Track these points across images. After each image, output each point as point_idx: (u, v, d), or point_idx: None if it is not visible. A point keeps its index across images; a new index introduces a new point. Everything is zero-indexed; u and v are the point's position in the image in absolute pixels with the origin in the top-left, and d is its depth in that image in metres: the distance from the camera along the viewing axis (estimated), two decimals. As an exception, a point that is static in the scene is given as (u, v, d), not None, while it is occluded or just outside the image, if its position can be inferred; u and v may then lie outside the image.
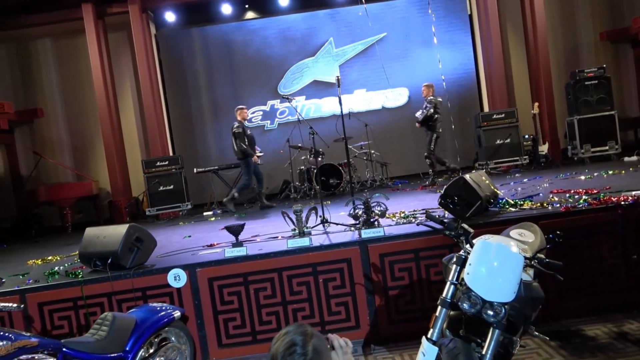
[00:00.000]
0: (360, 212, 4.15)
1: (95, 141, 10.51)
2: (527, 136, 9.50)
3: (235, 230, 4.06)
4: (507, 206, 4.45)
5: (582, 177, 6.25)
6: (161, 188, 8.86)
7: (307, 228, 4.11)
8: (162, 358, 3.31)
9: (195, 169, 9.34)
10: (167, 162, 8.99)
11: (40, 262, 5.33)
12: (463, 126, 10.56)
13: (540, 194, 5.11)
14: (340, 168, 9.05)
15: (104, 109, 9.67)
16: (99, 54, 9.66)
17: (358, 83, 10.87)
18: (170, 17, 10.50)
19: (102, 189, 10.58)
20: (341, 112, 4.95)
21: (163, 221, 8.65)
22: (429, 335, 2.29)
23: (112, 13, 9.97)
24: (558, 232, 2.37)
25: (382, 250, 3.86)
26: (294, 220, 4.06)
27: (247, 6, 11.26)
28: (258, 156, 8.14)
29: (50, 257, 5.49)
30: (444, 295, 2.33)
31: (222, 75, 10.87)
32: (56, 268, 4.52)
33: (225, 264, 3.92)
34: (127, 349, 3.07)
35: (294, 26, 10.87)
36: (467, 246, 2.37)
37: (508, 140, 8.73)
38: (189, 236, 5.81)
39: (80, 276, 4.02)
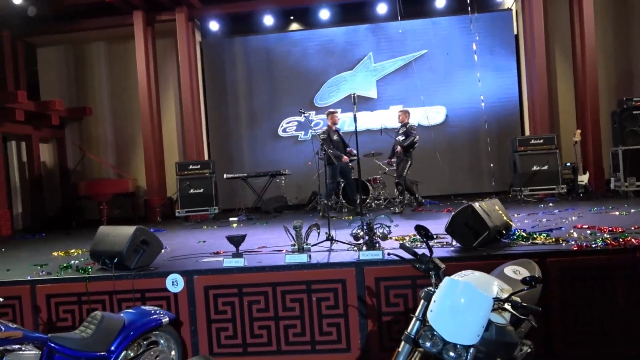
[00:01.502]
0: (361, 233, 4.08)
1: (137, 141, 10.97)
2: (568, 164, 9.06)
3: (236, 241, 4.10)
4: (519, 239, 4.24)
5: (617, 213, 5.87)
6: (192, 191, 9.11)
7: (306, 244, 4.09)
8: (148, 361, 3.38)
9: (225, 175, 9.54)
10: (199, 166, 9.24)
11: (63, 254, 5.61)
12: (501, 150, 10.25)
13: (563, 228, 4.84)
14: (369, 184, 8.99)
15: (145, 111, 10.11)
16: (145, 58, 10.12)
17: (395, 99, 10.77)
18: (215, 26, 10.86)
19: (139, 187, 11.02)
20: (355, 128, 4.91)
21: (190, 223, 8.88)
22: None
23: (160, 20, 10.44)
24: (535, 276, 2.23)
25: (378, 274, 3.78)
26: (294, 235, 4.05)
27: (292, 18, 11.49)
28: (349, 158, 7.84)
29: (73, 250, 5.77)
30: (408, 330, 2.24)
31: (260, 85, 11.10)
32: (72, 262, 4.74)
33: (222, 274, 3.96)
34: (112, 348, 3.15)
35: (334, 39, 10.94)
36: (436, 282, 2.28)
37: (545, 167, 8.35)
38: (204, 241, 5.92)
39: (88, 272, 4.19)
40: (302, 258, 3.93)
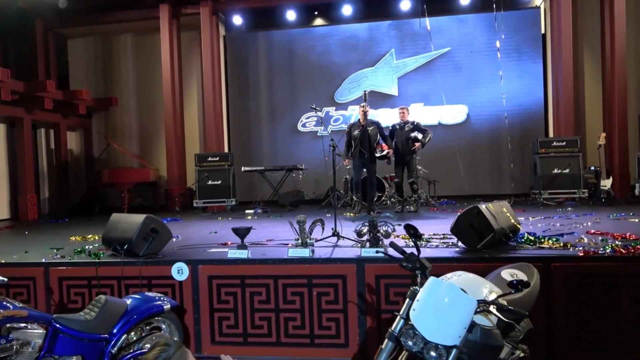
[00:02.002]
0: (365, 230, 4.08)
1: (160, 132, 11.20)
2: (592, 168, 8.80)
3: (241, 233, 4.16)
4: (526, 242, 4.17)
5: (636, 220, 5.69)
6: (210, 182, 9.26)
7: (310, 239, 4.12)
8: (148, 345, 3.49)
9: (242, 168, 9.66)
10: (217, 158, 9.39)
11: (80, 239, 5.80)
12: (524, 152, 10.05)
13: (575, 233, 4.73)
14: (385, 181, 8.95)
15: (168, 103, 10.32)
16: (170, 51, 10.32)
17: (416, 97, 10.68)
18: (239, 20, 10.97)
19: (161, 177, 11.26)
20: (365, 126, 4.90)
21: (207, 214, 9.03)
22: (371, 367, 2.23)
23: (186, 14, 10.62)
24: (523, 280, 2.20)
25: (378, 271, 3.78)
26: (298, 230, 4.09)
27: (316, 13, 11.49)
28: (379, 155, 7.67)
29: (90, 236, 5.96)
30: (392, 328, 2.25)
31: (282, 79, 11.17)
32: (86, 247, 4.91)
33: (226, 264, 4.04)
34: (114, 331, 3.26)
35: (356, 35, 10.91)
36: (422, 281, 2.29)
37: (566, 171, 8.15)
38: (215, 232, 6.03)
39: (99, 258, 4.34)
40: (304, 252, 3.97)
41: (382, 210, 8.27)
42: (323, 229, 4.31)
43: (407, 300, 2.27)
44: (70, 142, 11.58)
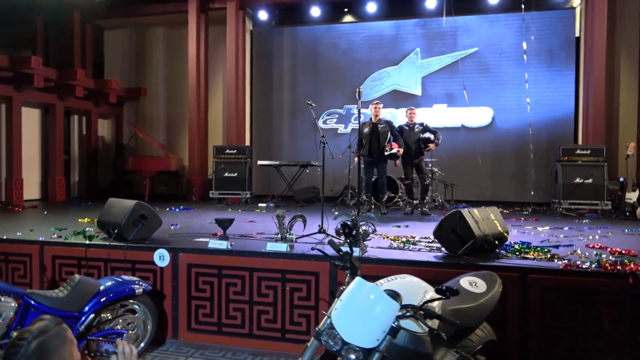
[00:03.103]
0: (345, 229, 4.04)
1: (185, 123, 11.45)
2: (622, 179, 8.34)
3: (223, 224, 4.23)
4: (512, 251, 4.02)
5: (651, 236, 5.36)
6: (226, 174, 9.42)
7: (290, 234, 4.13)
8: (119, 326, 3.62)
9: (258, 162, 9.76)
10: (235, 151, 9.53)
11: (87, 221, 6.05)
12: (551, 159, 9.61)
13: (573, 245, 4.51)
14: (399, 182, 8.82)
15: (193, 95, 10.56)
16: (196, 44, 10.55)
17: (439, 97, 10.45)
18: (265, 15, 11.08)
19: (184, 167, 11.54)
20: (359, 124, 4.84)
21: (221, 205, 9.20)
22: (296, 363, 2.22)
23: (214, 8, 10.81)
24: (452, 288, 2.12)
25: (351, 270, 3.74)
26: (278, 224, 4.11)
27: (346, 10, 11.44)
28: (387, 153, 7.42)
29: (97, 219, 6.19)
30: (319, 326, 2.23)
31: (305, 76, 11.19)
32: (87, 229, 5.12)
33: (206, 254, 4.12)
34: (84, 310, 3.40)
35: (382, 33, 10.78)
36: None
37: (589, 181, 7.77)
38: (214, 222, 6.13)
39: (90, 240, 4.52)
40: (282, 247, 3.98)
41: (391, 211, 8.18)
42: (304, 224, 4.31)
43: (336, 299, 2.24)
44: (102, 129, 12.07)
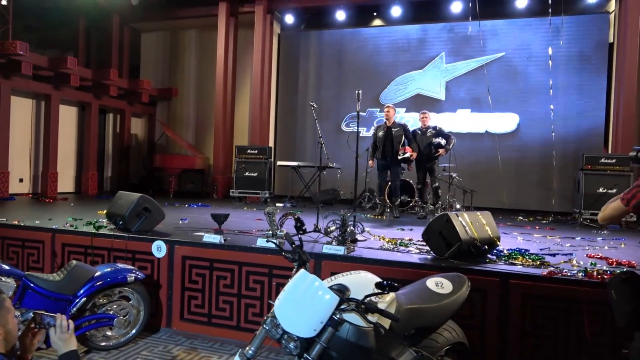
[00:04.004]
0: (333, 228, 4.11)
1: (213, 124, 11.83)
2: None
3: (219, 219, 4.38)
4: (502, 257, 3.96)
5: (666, 250, 5.11)
6: (247, 173, 9.65)
7: (280, 231, 4.22)
8: (111, 311, 3.82)
9: (277, 162, 9.92)
10: (256, 151, 9.75)
11: (104, 213, 6.37)
12: (577, 168, 9.29)
13: (573, 254, 4.38)
14: (415, 186, 8.76)
15: (219, 96, 10.88)
16: (224, 46, 10.87)
17: (463, 103, 10.31)
18: (292, 19, 11.27)
19: (211, 165, 11.89)
20: (357, 128, 4.88)
21: (240, 203, 9.43)
22: (245, 351, 2.31)
23: (243, 12, 11.11)
24: (393, 284, 2.14)
25: (334, 268, 3.79)
26: (268, 221, 4.21)
27: (375, 14, 11.48)
28: (402, 157, 7.41)
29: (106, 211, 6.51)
30: (267, 315, 2.31)
31: (330, 79, 11.30)
32: (100, 220, 5.41)
33: (200, 247, 4.27)
34: (78, 294, 3.62)
35: (407, 37, 10.75)
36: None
37: (613, 191, 7.46)
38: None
39: (97, 229, 4.78)
40: (271, 243, 4.08)
41: (406, 215, 8.14)
42: (296, 222, 4.39)
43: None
44: (136, 127, 12.61)
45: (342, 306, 2.20)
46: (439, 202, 7.74)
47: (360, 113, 11.44)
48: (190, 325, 4.26)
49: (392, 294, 2.47)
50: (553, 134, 8.47)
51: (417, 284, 2.89)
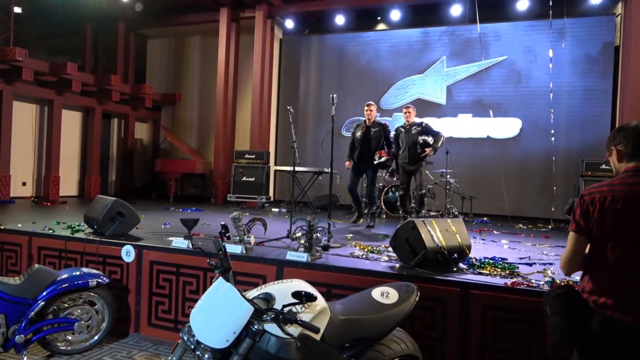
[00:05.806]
0: (299, 234, 4.04)
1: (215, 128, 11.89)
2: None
3: (188, 224, 4.35)
4: (472, 266, 3.82)
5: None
6: (244, 178, 9.63)
7: (248, 236, 4.16)
8: (74, 315, 3.81)
9: (274, 167, 9.90)
10: (254, 156, 9.73)
11: (92, 218, 6.41)
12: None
13: (554, 264, 4.21)
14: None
15: (220, 101, 10.92)
16: (226, 51, 10.91)
17: (464, 107, 10.13)
18: (294, 24, 11.26)
19: (213, 170, 11.93)
20: (332, 131, 4.80)
21: (236, 208, 9.41)
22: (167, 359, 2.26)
23: (244, 17, 11.14)
24: (310, 294, 2.06)
25: (296, 275, 3.69)
26: (234, 226, 4.16)
27: (379, 18, 11.40)
28: (378, 161, 6.71)
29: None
30: (186, 325, 2.25)
31: (330, 83, 11.24)
32: (80, 223, 5.43)
33: (167, 252, 4.25)
34: (39, 298, 3.63)
35: (408, 41, 10.63)
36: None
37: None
38: (208, 224, 6.30)
39: (73, 233, 4.80)
40: (236, 249, 4.03)
41: (392, 222, 7.97)
42: (265, 228, 4.33)
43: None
44: (140, 132, 12.75)
45: (264, 316, 2.14)
46: (423, 211, 6.86)
47: (360, 117, 11.29)
48: (157, 330, 4.23)
49: (323, 304, 2.39)
50: (552, 139, 8.23)
51: (361, 294, 2.80)
